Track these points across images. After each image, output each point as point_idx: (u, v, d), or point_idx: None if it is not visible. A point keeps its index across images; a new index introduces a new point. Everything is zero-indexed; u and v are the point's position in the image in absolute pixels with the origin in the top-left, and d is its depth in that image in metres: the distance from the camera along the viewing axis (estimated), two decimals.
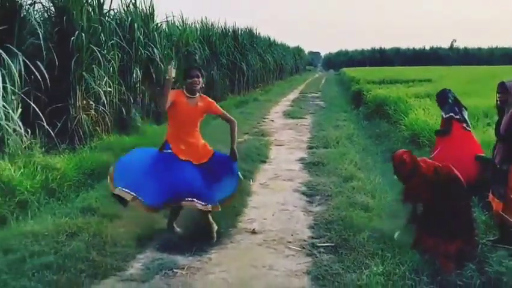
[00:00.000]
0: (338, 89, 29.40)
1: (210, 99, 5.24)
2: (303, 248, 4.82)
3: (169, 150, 4.92)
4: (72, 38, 9.15)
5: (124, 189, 4.59)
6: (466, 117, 5.92)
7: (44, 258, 4.12)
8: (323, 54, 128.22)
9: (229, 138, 5.24)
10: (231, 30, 23.75)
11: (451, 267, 4.13)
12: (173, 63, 5.25)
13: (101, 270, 4.11)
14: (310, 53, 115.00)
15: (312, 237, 5.07)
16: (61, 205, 5.95)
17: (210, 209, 4.81)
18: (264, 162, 8.78)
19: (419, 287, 3.91)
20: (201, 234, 4.93)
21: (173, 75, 4.83)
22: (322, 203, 6.25)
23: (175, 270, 4.25)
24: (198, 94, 5.05)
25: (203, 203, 4.70)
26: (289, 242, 4.96)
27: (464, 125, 5.95)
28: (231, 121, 5.29)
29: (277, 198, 6.50)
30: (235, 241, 4.99)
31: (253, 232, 5.22)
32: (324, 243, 4.88)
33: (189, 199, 4.66)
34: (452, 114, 5.81)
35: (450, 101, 6.05)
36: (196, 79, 4.97)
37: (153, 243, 4.86)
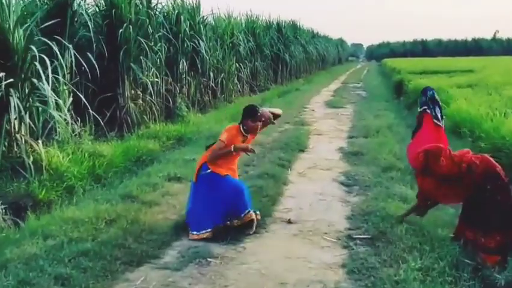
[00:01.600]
0: (380, 79, 28.72)
1: (253, 126, 4.82)
2: (339, 239, 4.55)
3: (208, 171, 4.62)
4: (120, 31, 9.14)
5: (196, 233, 4.49)
6: (439, 114, 5.80)
7: (82, 244, 4.02)
8: (365, 46, 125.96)
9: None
10: (274, 22, 23.44)
11: (492, 262, 3.82)
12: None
13: (136, 257, 3.97)
14: (353, 44, 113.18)
15: (349, 229, 4.80)
16: (105, 191, 5.89)
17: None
18: (303, 151, 8.52)
19: (460, 283, 3.58)
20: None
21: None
22: (360, 194, 5.96)
23: (209, 259, 4.05)
24: None
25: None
26: (325, 233, 4.70)
27: (435, 120, 5.78)
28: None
29: (314, 188, 6.25)
30: (270, 231, 4.76)
31: (289, 222, 4.98)
32: (360, 235, 4.61)
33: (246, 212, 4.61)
34: (425, 107, 5.71)
35: (424, 98, 5.95)
36: (259, 123, 4.74)
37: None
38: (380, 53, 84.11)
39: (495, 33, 78.02)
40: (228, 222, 4.61)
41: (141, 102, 9.91)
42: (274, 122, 5.00)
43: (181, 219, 4.86)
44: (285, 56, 23.45)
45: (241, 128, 4.73)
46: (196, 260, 4.04)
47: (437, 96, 5.69)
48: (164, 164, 7.10)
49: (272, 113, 4.97)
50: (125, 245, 4.13)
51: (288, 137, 9.29)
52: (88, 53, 8.30)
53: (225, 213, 4.59)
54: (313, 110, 14.70)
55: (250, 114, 4.73)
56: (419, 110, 5.89)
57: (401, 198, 5.44)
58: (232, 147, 4.56)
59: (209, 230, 4.49)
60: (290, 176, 6.77)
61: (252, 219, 4.64)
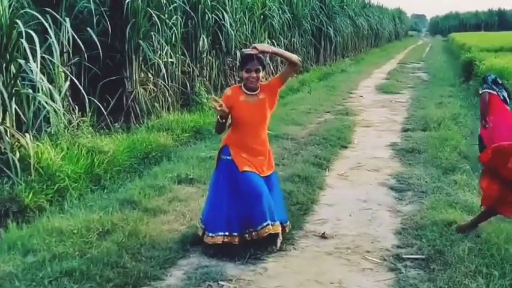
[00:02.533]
0: (445, 58, 28.38)
1: (269, 81, 4.72)
2: (385, 260, 4.39)
3: (229, 157, 4.50)
4: (127, 1, 9.08)
5: (211, 234, 4.42)
6: (506, 96, 5.74)
7: (67, 262, 3.96)
8: (428, 17, 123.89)
9: None
10: None
11: None
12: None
13: (132, 279, 3.88)
14: (414, 16, 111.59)
15: (398, 247, 4.65)
16: (104, 195, 5.88)
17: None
18: (345, 147, 8.41)
19: None
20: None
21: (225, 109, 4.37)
22: (414, 201, 5.81)
23: (221, 283, 3.94)
24: (258, 88, 4.56)
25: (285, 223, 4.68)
26: (368, 252, 4.55)
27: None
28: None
29: (357, 194, 6.12)
30: (299, 247, 4.63)
31: (323, 237, 4.85)
32: (412, 254, 4.45)
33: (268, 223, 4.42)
34: (486, 89, 5.70)
35: (486, 85, 5.91)
36: (254, 75, 4.44)
37: (200, 245, 4.56)
38: (446, 26, 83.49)
39: None
40: (246, 235, 4.46)
41: (152, 87, 9.89)
42: (292, 71, 4.66)
43: (190, 230, 4.80)
44: (328, 30, 23.15)
45: (242, 86, 4.56)
46: (206, 283, 3.94)
47: (499, 80, 5.65)
48: (175, 162, 7.06)
49: (277, 54, 4.78)
50: (120, 263, 4.05)
51: (328, 129, 9.15)
52: (89, 29, 8.27)
53: (240, 220, 4.44)
54: (361, 96, 14.60)
55: (241, 62, 4.60)
56: (480, 91, 5.88)
57: (466, 208, 5.29)
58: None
59: (225, 233, 4.39)
60: (328, 179, 6.65)
61: (275, 234, 4.47)
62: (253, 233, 4.42)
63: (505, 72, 12.53)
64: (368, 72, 21.77)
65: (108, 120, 8.44)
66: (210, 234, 4.41)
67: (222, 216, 4.42)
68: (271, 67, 15.38)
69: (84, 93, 7.64)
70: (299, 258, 4.43)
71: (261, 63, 4.49)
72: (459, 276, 3.91)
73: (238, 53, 13.39)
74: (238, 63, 4.59)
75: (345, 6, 27.63)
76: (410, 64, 26.35)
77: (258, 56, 4.45)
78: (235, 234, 4.43)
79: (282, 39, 17.29)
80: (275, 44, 16.32)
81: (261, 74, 4.49)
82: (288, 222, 4.78)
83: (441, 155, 7.31)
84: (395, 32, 55.95)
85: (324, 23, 22.78)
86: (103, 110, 8.19)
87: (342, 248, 4.61)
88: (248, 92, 4.50)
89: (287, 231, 4.73)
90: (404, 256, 4.41)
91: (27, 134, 6.19)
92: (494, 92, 5.83)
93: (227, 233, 4.41)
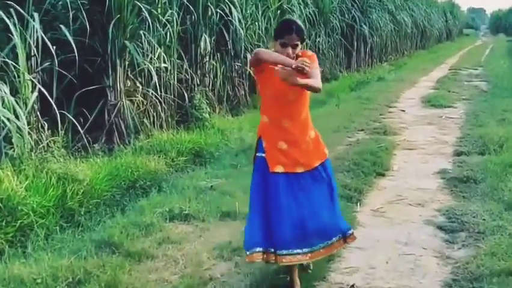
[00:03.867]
0: (509, 63, 28.07)
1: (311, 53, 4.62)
2: None
3: (262, 154, 4.56)
4: None
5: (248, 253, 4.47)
6: None
7: None
8: (488, 11, 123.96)
9: None
10: None
11: None
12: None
13: None
14: (470, 10, 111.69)
15: None
16: (77, 234, 5.88)
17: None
18: (382, 175, 8.36)
19: None
20: None
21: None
22: (468, 245, 5.74)
23: None
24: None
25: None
26: None
27: None
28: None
29: (396, 235, 6.07)
30: None
31: None
32: None
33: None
34: None
35: None
36: (290, 51, 4.39)
37: None
38: (511, 22, 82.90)
39: None
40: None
41: (141, 98, 9.93)
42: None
43: (184, 281, 4.76)
44: (362, 28, 23.30)
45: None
46: None
47: None
48: (168, 193, 7.06)
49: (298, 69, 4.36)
50: None
51: (361, 152, 9.11)
52: (63, 27, 8.35)
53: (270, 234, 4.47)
54: (403, 111, 14.60)
55: (277, 31, 4.55)
56: None
57: None
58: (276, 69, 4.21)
59: (260, 250, 4.41)
60: (359, 215, 6.62)
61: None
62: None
63: None
64: (412, 80, 21.72)
65: (85, 140, 8.45)
66: (247, 252, 4.44)
67: (258, 228, 4.47)
68: None
69: (55, 106, 7.68)
70: None
71: (301, 37, 4.48)
72: None
73: (248, 57, 13.46)
74: (273, 32, 4.53)
75: None
76: (465, 70, 26.30)
77: (298, 27, 4.45)
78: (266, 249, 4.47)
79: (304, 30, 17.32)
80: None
81: (298, 49, 4.47)
82: (352, 230, 4.81)
83: (504, 186, 7.25)
84: (446, 30, 56.11)
85: (357, 20, 22.92)
86: (79, 128, 8.23)
87: None
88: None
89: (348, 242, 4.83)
90: None
91: None
92: None
93: (262, 247, 4.43)
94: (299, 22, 4.56)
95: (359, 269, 5.20)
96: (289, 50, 4.36)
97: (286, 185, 4.46)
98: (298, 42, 4.42)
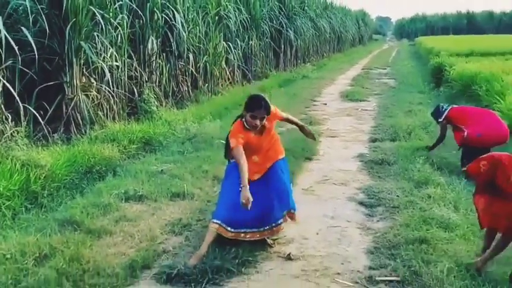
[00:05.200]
0: (413, 63, 28.87)
1: (272, 110, 5.03)
2: (357, 282, 4.40)
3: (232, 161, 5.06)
4: None
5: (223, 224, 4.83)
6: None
7: None
8: (393, 20, 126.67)
9: None
10: None
11: None
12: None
13: None
14: (379, 18, 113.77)
15: (370, 268, 4.66)
16: (41, 214, 5.71)
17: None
18: (310, 159, 8.45)
19: None
20: (221, 259, 4.58)
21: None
22: (386, 218, 5.84)
23: None
24: None
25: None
26: (338, 274, 4.55)
27: None
28: (300, 126, 5.74)
29: (324, 210, 6.14)
30: (262, 271, 4.58)
31: (289, 258, 4.83)
32: (386, 276, 4.46)
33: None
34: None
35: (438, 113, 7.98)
36: (259, 122, 4.86)
37: (151, 271, 4.51)
38: (413, 29, 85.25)
39: None
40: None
41: (95, 93, 9.72)
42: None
43: (139, 254, 4.69)
44: (288, 33, 23.31)
45: (244, 123, 4.89)
46: None
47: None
48: (122, 177, 6.94)
49: (296, 124, 5.80)
50: None
51: (291, 140, 9.05)
52: (24, 29, 8.13)
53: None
54: (325, 104, 14.78)
55: (249, 105, 4.85)
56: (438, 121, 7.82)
57: (443, 224, 5.34)
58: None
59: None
60: (292, 194, 6.55)
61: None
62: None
63: (476, 77, 12.83)
64: (332, 78, 22.07)
65: (46, 131, 8.28)
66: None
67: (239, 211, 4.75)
68: None
69: (18, 100, 7.49)
70: (262, 282, 4.39)
71: (268, 111, 4.88)
72: None
73: (191, 57, 13.35)
74: (244, 105, 4.74)
75: (306, 7, 27.91)
76: (376, 70, 26.84)
77: (266, 104, 4.86)
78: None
79: (238, 42, 17.28)
80: (231, 47, 16.32)
81: (265, 121, 4.88)
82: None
83: (413, 167, 7.37)
84: (358, 35, 56.85)
85: (284, 25, 22.93)
86: (40, 119, 8.07)
87: (309, 271, 4.59)
88: (249, 129, 4.92)
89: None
90: (377, 278, 4.42)
91: None
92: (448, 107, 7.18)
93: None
94: (267, 98, 4.94)
95: (293, 240, 5.25)
96: (258, 122, 4.82)
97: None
98: (265, 115, 4.85)
